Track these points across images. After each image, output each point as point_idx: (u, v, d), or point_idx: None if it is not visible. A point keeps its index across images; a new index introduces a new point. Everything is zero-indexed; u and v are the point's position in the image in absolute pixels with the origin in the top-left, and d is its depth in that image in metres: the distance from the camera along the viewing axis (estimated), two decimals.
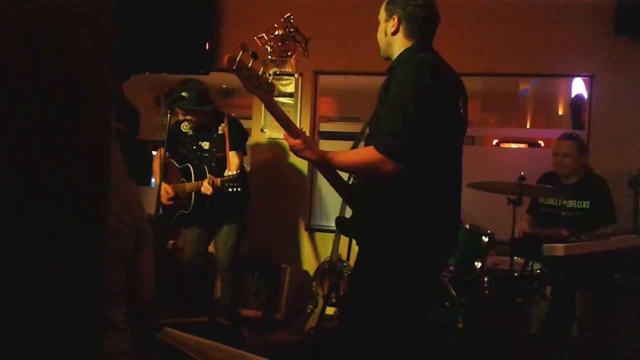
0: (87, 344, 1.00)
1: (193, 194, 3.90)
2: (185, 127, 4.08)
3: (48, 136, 0.95)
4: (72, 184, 0.99)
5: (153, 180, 5.32)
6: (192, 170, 3.96)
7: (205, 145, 4.03)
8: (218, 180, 3.68)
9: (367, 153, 2.14)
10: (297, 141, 2.20)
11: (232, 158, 3.92)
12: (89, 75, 0.98)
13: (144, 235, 1.93)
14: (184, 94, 3.83)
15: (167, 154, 3.97)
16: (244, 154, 4.11)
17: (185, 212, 3.98)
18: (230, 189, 3.62)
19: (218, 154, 3.98)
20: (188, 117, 3.93)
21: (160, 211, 4.01)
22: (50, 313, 0.97)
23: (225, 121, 3.96)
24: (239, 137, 4.05)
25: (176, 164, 4.10)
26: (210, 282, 4.41)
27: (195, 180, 3.91)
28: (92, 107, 0.98)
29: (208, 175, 3.81)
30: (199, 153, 4.04)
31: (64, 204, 0.97)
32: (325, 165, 2.26)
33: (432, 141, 2.13)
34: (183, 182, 4.01)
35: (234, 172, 3.66)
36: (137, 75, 5.12)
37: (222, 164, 3.96)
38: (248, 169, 5.09)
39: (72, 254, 0.98)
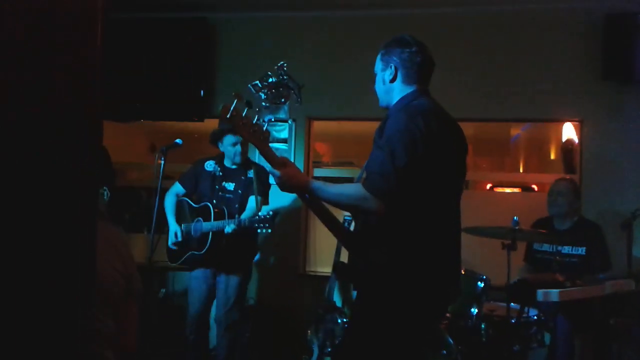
0: None
1: (210, 233, 3.77)
2: (210, 165, 4.01)
3: (35, 178, 0.95)
4: (57, 224, 0.98)
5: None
6: (211, 210, 3.83)
7: (230, 186, 3.97)
8: (247, 220, 3.62)
9: (355, 189, 2.15)
10: (284, 170, 2.21)
11: (253, 203, 3.82)
12: (77, 116, 0.99)
13: (134, 282, 1.94)
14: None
15: (181, 192, 3.92)
16: (267, 203, 4.01)
17: (198, 253, 3.83)
18: (259, 230, 3.56)
19: (244, 196, 3.92)
20: (241, 147, 3.87)
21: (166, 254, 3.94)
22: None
23: (255, 167, 3.91)
24: (267, 185, 3.97)
25: (191, 203, 4.00)
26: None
27: (214, 220, 3.79)
28: (79, 149, 0.98)
29: (235, 216, 3.73)
30: (220, 193, 3.94)
31: (51, 243, 0.96)
32: (312, 196, 2.25)
33: (426, 185, 2.13)
34: (199, 221, 3.89)
35: (270, 213, 3.56)
36: (132, 122, 5.17)
37: (245, 205, 3.91)
38: None
39: (60, 294, 0.98)
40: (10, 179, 0.91)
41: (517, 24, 4.57)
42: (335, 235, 2.37)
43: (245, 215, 3.82)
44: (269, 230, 3.56)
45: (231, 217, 3.78)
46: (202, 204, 3.92)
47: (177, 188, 4.07)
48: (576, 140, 4.68)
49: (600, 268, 3.64)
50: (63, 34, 0.96)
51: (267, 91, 4.68)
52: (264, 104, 4.69)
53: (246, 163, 3.97)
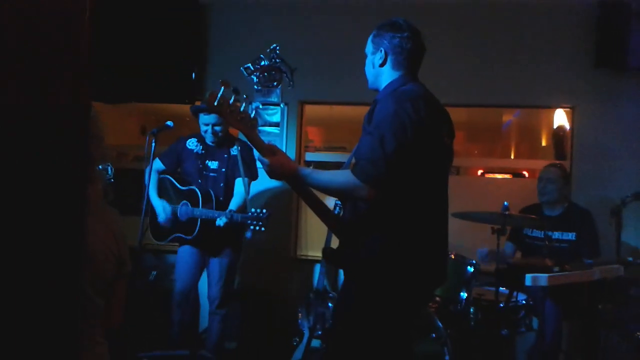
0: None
1: (199, 220, 3.73)
2: (192, 143, 3.97)
3: (25, 159, 0.94)
4: (48, 209, 0.98)
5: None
6: (199, 195, 3.76)
7: (214, 164, 3.92)
8: (239, 217, 3.53)
9: (344, 176, 2.16)
10: (273, 158, 2.22)
11: (242, 186, 3.77)
12: (67, 102, 0.98)
13: (126, 264, 1.97)
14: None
15: (164, 169, 3.88)
16: (256, 178, 3.97)
17: (186, 237, 3.80)
18: (252, 227, 3.47)
19: (228, 175, 3.88)
20: (216, 126, 3.81)
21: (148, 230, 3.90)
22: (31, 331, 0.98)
23: (239, 144, 3.84)
24: (254, 164, 3.90)
25: (176, 184, 3.94)
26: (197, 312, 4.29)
27: (202, 205, 3.74)
28: (69, 132, 0.98)
29: (229, 210, 3.62)
30: (204, 172, 3.90)
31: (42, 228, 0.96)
32: (301, 183, 2.26)
33: (415, 171, 2.14)
34: (185, 204, 3.84)
35: (264, 211, 3.46)
36: (123, 104, 5.14)
37: (231, 185, 3.88)
38: None
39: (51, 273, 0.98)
40: (5, 173, 0.92)
41: (511, 10, 4.56)
42: (324, 221, 2.38)
43: (234, 201, 3.78)
44: (262, 229, 3.47)
45: (217, 199, 3.75)
46: (188, 187, 3.87)
47: (157, 165, 4.00)
48: (568, 127, 4.70)
49: (588, 254, 3.67)
50: (51, 28, 0.95)
51: (259, 74, 4.64)
52: (255, 87, 4.66)
53: (229, 140, 3.93)
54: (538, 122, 5.95)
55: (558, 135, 4.94)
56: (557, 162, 4.29)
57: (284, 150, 4.45)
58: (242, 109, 2.22)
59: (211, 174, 3.91)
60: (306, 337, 3.96)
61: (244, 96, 2.30)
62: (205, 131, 3.87)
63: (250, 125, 2.25)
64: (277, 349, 4.40)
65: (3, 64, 0.91)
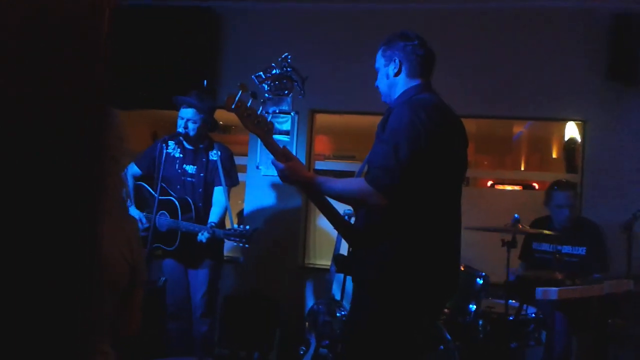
0: None
1: (179, 233, 3.66)
2: (170, 146, 3.81)
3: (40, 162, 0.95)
4: (63, 213, 0.98)
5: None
6: (177, 206, 3.68)
7: (191, 169, 3.81)
8: (222, 233, 3.49)
9: (357, 183, 2.18)
10: (288, 164, 2.23)
11: (222, 195, 3.71)
12: (84, 102, 0.99)
13: (140, 273, 1.95)
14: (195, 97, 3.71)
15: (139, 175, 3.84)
16: (237, 183, 3.95)
17: (167, 248, 3.74)
18: (235, 243, 3.45)
19: (207, 181, 3.78)
20: (190, 122, 3.70)
21: None
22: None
23: (218, 149, 3.76)
24: (234, 170, 3.88)
25: (153, 192, 3.76)
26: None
27: (182, 216, 3.66)
28: (87, 134, 0.98)
29: (210, 225, 3.55)
30: (182, 177, 3.80)
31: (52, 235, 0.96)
32: (315, 191, 2.26)
33: (428, 180, 2.14)
34: (163, 214, 3.74)
35: (247, 228, 3.42)
36: (135, 110, 5.17)
37: (210, 192, 3.79)
38: (242, 205, 5.08)
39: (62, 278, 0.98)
40: (11, 178, 0.92)
41: (523, 22, 4.56)
42: (336, 227, 2.38)
43: (215, 211, 3.72)
44: (247, 246, 3.44)
45: (196, 206, 3.70)
46: (166, 197, 3.76)
47: (133, 169, 3.92)
48: (579, 139, 4.67)
49: (598, 269, 3.64)
50: (67, 26, 0.96)
51: (271, 83, 4.67)
52: (267, 95, 4.68)
53: (208, 144, 3.84)
54: (549, 134, 5.93)
55: (569, 147, 4.92)
56: (564, 180, 4.08)
57: None
58: (258, 112, 2.24)
59: (189, 179, 3.81)
60: (313, 346, 3.94)
61: (261, 100, 2.33)
62: (182, 126, 3.75)
63: (267, 129, 2.27)
64: (284, 358, 4.39)
65: (18, 67, 0.92)
